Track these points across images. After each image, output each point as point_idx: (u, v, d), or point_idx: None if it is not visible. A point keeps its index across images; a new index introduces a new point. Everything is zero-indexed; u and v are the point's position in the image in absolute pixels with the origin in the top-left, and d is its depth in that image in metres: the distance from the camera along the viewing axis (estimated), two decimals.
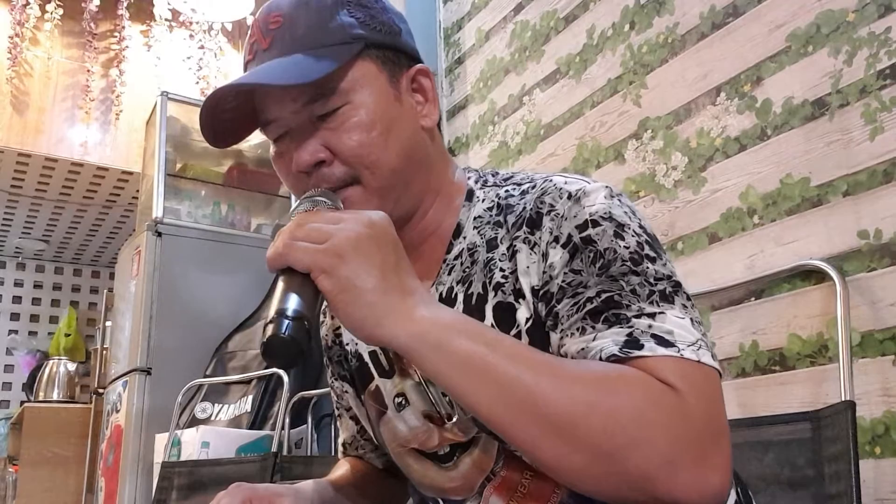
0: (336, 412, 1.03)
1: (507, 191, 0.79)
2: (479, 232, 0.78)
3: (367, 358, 0.85)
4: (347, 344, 0.90)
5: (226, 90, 0.73)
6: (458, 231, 0.80)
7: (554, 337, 0.68)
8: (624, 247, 0.67)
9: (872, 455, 1.31)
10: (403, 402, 0.80)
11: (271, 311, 0.59)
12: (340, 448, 1.04)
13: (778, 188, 1.53)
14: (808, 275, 1.44)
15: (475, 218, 0.79)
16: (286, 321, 0.58)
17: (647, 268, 0.67)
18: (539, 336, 0.70)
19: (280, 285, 0.61)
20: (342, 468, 0.98)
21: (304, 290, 0.60)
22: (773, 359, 1.49)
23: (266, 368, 2.65)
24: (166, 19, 3.90)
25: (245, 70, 0.78)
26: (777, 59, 1.57)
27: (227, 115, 0.77)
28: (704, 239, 1.68)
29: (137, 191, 3.89)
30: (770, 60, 1.59)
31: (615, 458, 0.56)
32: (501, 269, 0.74)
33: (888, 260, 1.33)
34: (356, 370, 0.88)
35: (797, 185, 1.50)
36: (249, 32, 0.79)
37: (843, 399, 1.23)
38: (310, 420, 2.66)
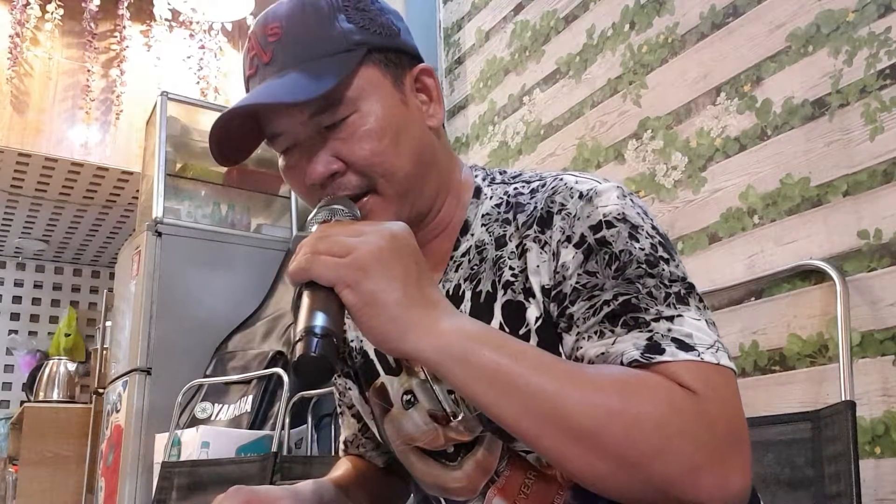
0: (338, 409, 1.03)
1: (515, 188, 0.79)
2: (487, 229, 0.78)
3: (372, 355, 0.85)
4: (352, 341, 0.90)
5: (234, 113, 0.73)
6: (465, 228, 0.80)
7: (568, 339, 0.68)
8: (639, 249, 0.67)
9: (872, 455, 1.31)
10: (413, 400, 0.80)
11: (298, 328, 0.59)
12: (341, 446, 1.04)
13: (778, 188, 1.53)
14: (808, 275, 1.44)
15: (483, 215, 0.79)
16: (315, 339, 0.58)
17: (663, 270, 0.67)
18: (549, 336, 0.70)
19: (305, 301, 0.61)
20: (342, 467, 0.98)
21: (328, 305, 0.60)
22: (773, 359, 1.49)
23: (266, 368, 2.65)
24: (166, 19, 3.89)
25: (247, 85, 0.78)
26: (777, 59, 1.57)
27: (233, 133, 0.76)
28: (704, 239, 1.68)
29: (137, 191, 3.89)
30: (770, 60, 1.59)
31: (640, 466, 0.57)
32: (511, 268, 0.74)
33: (888, 260, 1.33)
34: (361, 367, 0.88)
35: (797, 185, 1.50)
36: (248, 45, 0.78)
37: (843, 399, 1.23)
38: (310, 420, 2.66)
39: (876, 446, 1.31)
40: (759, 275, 1.52)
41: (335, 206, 0.71)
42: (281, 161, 0.78)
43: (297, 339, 0.58)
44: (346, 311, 0.61)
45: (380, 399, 0.84)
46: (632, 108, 1.93)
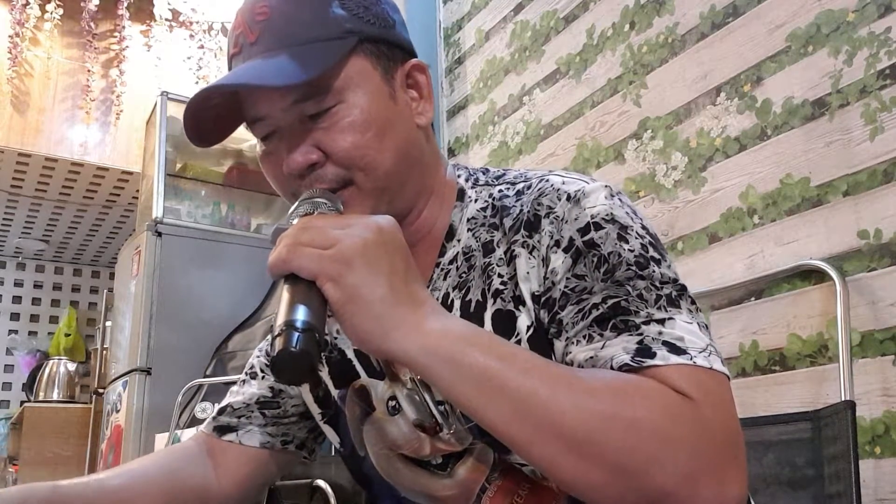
0: (243, 376, 0.95)
1: (500, 190, 0.76)
2: (473, 234, 0.75)
3: (350, 355, 0.82)
4: (327, 335, 0.86)
5: (213, 90, 0.70)
6: (450, 233, 0.77)
7: (558, 344, 0.66)
8: (628, 250, 0.65)
9: (872, 455, 1.31)
10: (397, 406, 0.77)
11: (278, 322, 0.55)
12: (214, 413, 0.93)
13: (778, 188, 1.53)
14: (808, 275, 1.44)
15: (469, 219, 0.77)
16: (296, 334, 0.53)
17: (653, 271, 0.65)
18: (541, 344, 0.68)
19: (285, 294, 0.57)
20: (137, 463, 0.88)
21: (310, 299, 0.56)
22: (773, 359, 1.49)
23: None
24: (166, 19, 3.89)
25: (230, 64, 0.74)
26: (777, 59, 1.57)
27: (210, 112, 0.73)
28: (704, 239, 1.68)
29: (137, 191, 3.89)
30: (770, 60, 1.59)
31: (636, 475, 0.55)
32: (500, 275, 0.71)
33: (888, 260, 1.33)
34: (334, 363, 0.83)
35: (797, 185, 1.50)
36: (234, 22, 0.74)
37: (843, 399, 1.23)
38: None
39: (876, 446, 1.31)
40: (759, 275, 1.52)
41: (318, 200, 0.68)
42: (259, 147, 0.75)
43: (277, 333, 0.54)
44: (328, 308, 0.57)
45: (360, 400, 0.80)
46: (632, 108, 1.93)
